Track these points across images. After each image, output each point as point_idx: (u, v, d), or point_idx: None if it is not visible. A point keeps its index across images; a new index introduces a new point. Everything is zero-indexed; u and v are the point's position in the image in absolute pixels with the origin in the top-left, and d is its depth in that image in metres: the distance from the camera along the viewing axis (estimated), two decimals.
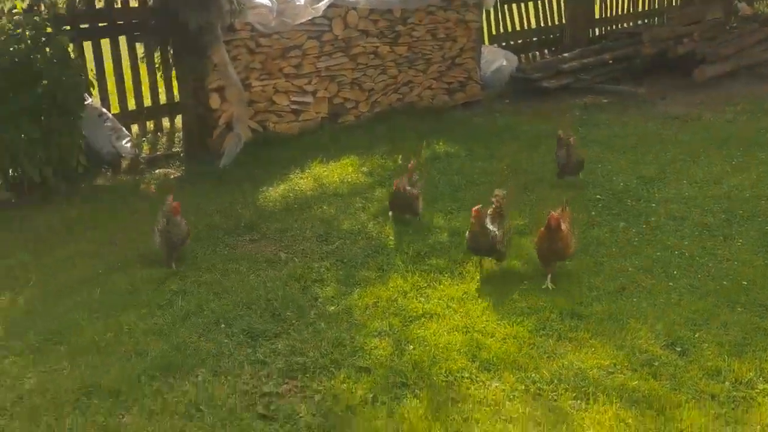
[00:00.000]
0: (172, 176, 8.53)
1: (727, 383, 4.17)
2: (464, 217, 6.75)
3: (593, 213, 6.60)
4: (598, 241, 6.07)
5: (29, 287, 5.61)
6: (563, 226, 5.35)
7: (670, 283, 5.35)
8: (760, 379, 4.22)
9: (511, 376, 4.27)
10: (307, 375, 4.37)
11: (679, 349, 4.51)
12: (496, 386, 4.19)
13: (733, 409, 3.97)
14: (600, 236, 6.16)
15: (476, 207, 5.48)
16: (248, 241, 6.49)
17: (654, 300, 5.09)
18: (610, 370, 4.31)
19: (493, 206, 5.73)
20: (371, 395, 4.11)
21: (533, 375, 4.26)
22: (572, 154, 7.33)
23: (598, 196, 6.76)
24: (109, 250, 6.29)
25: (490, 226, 5.49)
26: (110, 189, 8.18)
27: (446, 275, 5.60)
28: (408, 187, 6.58)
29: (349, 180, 7.92)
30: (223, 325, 4.94)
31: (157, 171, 8.70)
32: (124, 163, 8.84)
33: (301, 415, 3.98)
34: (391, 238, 6.41)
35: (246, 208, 7.17)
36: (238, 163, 8.63)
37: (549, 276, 5.37)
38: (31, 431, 3.85)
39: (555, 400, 4.03)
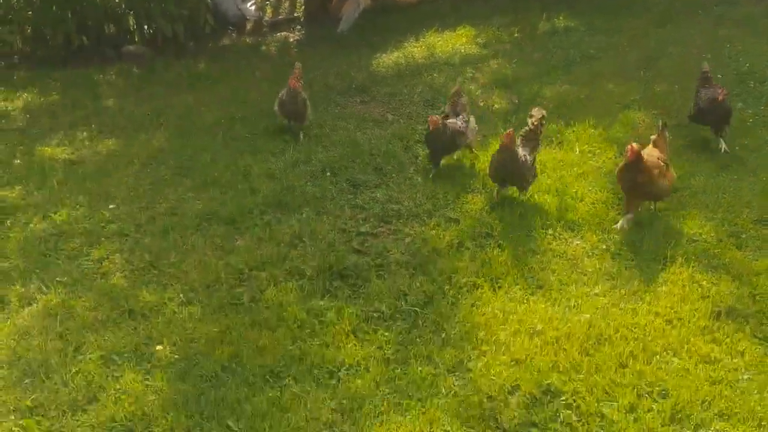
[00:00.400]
0: (292, 39, 8.89)
1: None
2: (571, 90, 6.71)
3: None
4: None
5: (161, 130, 6.23)
6: (647, 159, 4.42)
7: None
8: None
9: (594, 236, 4.42)
10: (401, 221, 4.72)
11: None
12: (577, 244, 4.37)
13: None
14: None
15: (509, 130, 4.77)
16: (358, 102, 6.79)
17: (756, 179, 4.98)
18: (694, 238, 4.36)
19: (529, 127, 4.94)
20: (457, 241, 4.42)
21: (615, 237, 4.39)
22: (716, 97, 5.32)
23: (720, 76, 6.44)
24: (231, 102, 6.80)
25: (521, 150, 4.73)
26: (234, 49, 8.67)
27: (544, 143, 5.68)
28: (453, 122, 5.30)
29: (462, 50, 7.94)
30: (328, 174, 5.34)
31: (278, 34, 9.08)
32: (248, 26, 9.27)
33: (391, 252, 4.36)
34: (496, 106, 6.50)
35: (359, 72, 7.42)
36: (356, 28, 8.83)
37: (626, 217, 4.47)
38: (161, 245, 4.47)
39: (632, 260, 4.18)
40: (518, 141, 4.80)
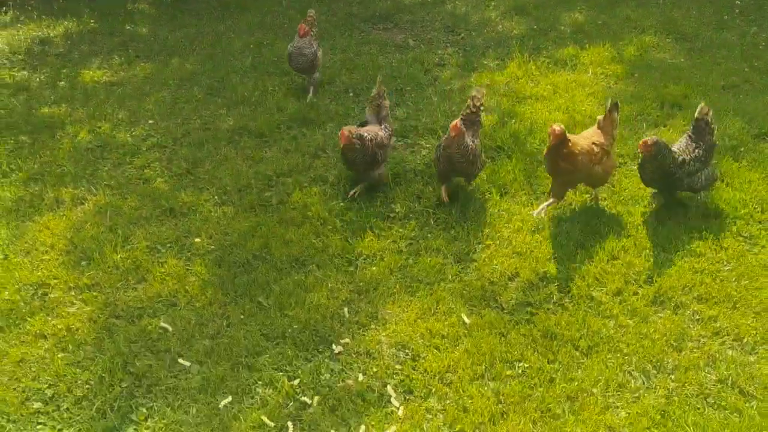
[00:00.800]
0: None
1: None
2: (589, 16, 6.86)
3: (725, 17, 6.45)
4: (722, 44, 6.04)
5: (193, 55, 6.57)
6: (574, 144, 3.92)
7: None
8: None
9: None
10: (417, 135, 5.04)
11: None
12: None
13: None
14: (727, 39, 6.10)
15: (456, 122, 4.07)
16: (381, 29, 7.03)
17: (760, 98, 5.17)
18: None
19: (470, 109, 4.34)
20: None
21: (619, 149, 4.67)
22: None
23: (738, 2, 6.54)
24: (259, 28, 7.08)
25: (469, 140, 4.14)
26: None
27: (560, 65, 5.90)
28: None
29: None
30: (351, 94, 5.66)
31: None
32: None
33: (407, 162, 4.70)
34: (515, 32, 6.70)
35: (383, 1, 7.63)
36: None
37: (545, 203, 4.06)
38: (196, 155, 4.87)
39: (631, 169, 4.48)
40: (460, 124, 4.13)
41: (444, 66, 6.13)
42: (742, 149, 4.60)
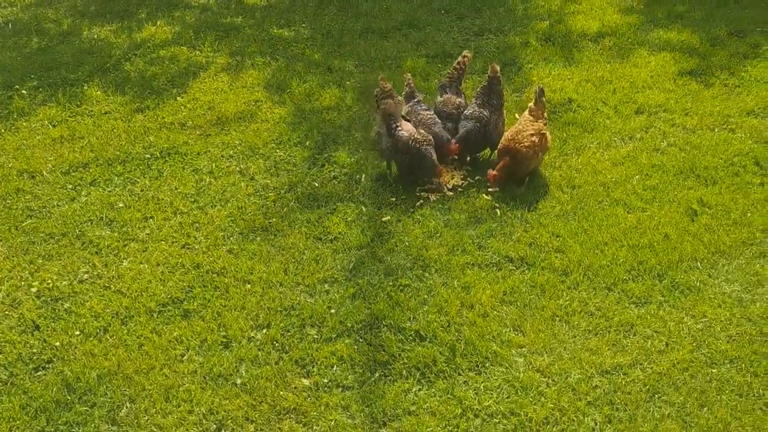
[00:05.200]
0: None
1: None
2: None
3: None
4: None
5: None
6: (519, 157, 4.80)
7: None
8: None
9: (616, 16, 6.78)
10: (490, 34, 7.19)
11: None
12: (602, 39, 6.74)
13: None
14: None
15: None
16: None
17: None
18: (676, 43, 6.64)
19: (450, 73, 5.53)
20: (526, 41, 6.86)
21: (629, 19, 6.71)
22: None
23: None
24: None
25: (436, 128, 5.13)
26: None
27: None
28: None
29: None
30: (443, 12, 7.82)
31: None
32: None
33: (483, 47, 6.84)
34: None
35: None
36: None
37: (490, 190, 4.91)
38: (338, 42, 7.12)
39: (632, 46, 6.52)
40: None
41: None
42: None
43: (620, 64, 6.44)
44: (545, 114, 5.09)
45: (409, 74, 5.58)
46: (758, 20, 7.01)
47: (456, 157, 5.11)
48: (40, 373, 3.70)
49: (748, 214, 4.55)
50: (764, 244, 4.33)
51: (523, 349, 3.75)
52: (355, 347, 3.78)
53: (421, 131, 4.99)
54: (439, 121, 5.19)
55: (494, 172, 4.83)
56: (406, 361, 3.70)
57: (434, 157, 4.91)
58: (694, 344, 3.73)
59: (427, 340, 3.81)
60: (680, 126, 5.51)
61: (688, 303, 3.97)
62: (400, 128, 4.93)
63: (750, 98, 5.77)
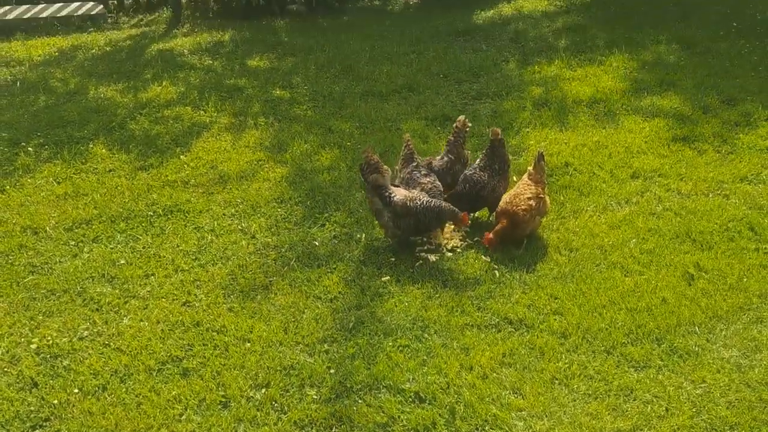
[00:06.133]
0: (411, 2, 11.65)
1: None
2: (617, 33, 9.14)
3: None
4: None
5: (324, 52, 9.09)
6: (516, 221, 4.87)
7: None
8: None
9: None
10: (487, 97, 7.37)
11: None
12: None
13: None
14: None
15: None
16: (462, 40, 9.42)
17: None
18: None
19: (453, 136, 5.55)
20: (523, 106, 7.04)
21: None
22: None
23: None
24: (369, 37, 9.60)
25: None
26: (367, 8, 11.53)
27: (592, 62, 8.17)
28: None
29: (544, 9, 10.46)
30: (442, 76, 8.04)
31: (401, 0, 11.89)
32: None
33: (480, 111, 7.01)
34: (562, 42, 9.01)
35: (462, 22, 10.05)
36: None
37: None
38: (339, 104, 7.29)
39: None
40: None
41: (508, 61, 8.49)
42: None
43: (615, 129, 6.60)
44: (544, 178, 5.18)
45: (408, 134, 5.69)
46: (748, 89, 7.22)
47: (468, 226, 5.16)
48: (37, 431, 3.66)
49: (744, 279, 4.60)
50: (761, 309, 4.37)
51: (523, 412, 3.74)
52: (354, 408, 3.76)
53: (414, 190, 5.05)
54: (440, 186, 5.26)
55: (490, 236, 4.89)
56: (405, 423, 3.68)
57: (448, 204, 4.96)
58: (693, 410, 3.72)
59: (427, 401, 3.80)
60: (675, 191, 5.61)
61: (687, 368, 3.98)
62: (393, 194, 4.97)
63: (743, 165, 5.90)
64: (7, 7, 10.79)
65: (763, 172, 5.80)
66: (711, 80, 7.51)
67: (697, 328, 4.24)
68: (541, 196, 4.99)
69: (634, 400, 3.79)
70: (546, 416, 3.70)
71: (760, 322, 4.27)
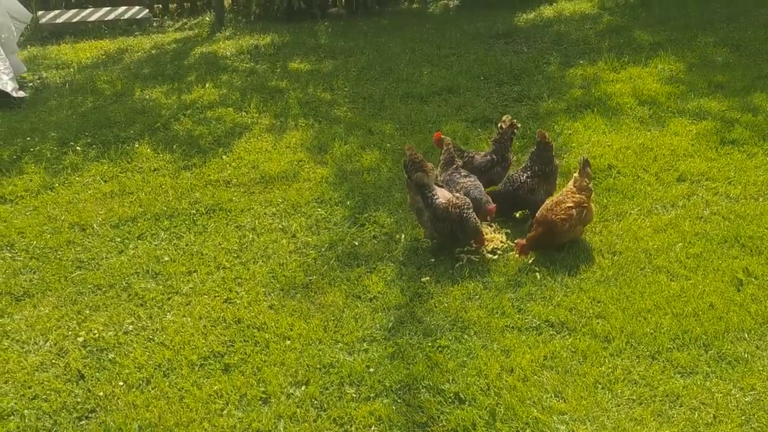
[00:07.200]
0: (451, 4, 11.63)
1: None
2: (664, 31, 8.96)
3: None
4: None
5: (365, 55, 9.13)
6: (554, 229, 4.78)
7: None
8: None
9: None
10: (530, 100, 7.31)
11: None
12: None
13: None
14: None
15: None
16: (503, 43, 9.38)
17: None
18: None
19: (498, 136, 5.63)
20: (567, 107, 6.96)
21: None
22: None
23: None
24: (410, 40, 9.60)
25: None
26: (408, 10, 11.55)
27: (635, 63, 8.04)
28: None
29: (586, 11, 10.33)
30: (482, 78, 7.99)
31: (441, 2, 11.84)
32: None
33: (521, 114, 6.95)
34: (605, 44, 8.88)
35: (503, 24, 10.00)
36: None
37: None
38: (378, 106, 7.31)
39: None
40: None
41: (549, 63, 8.40)
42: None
43: (660, 132, 6.48)
44: (590, 185, 5.06)
45: (449, 138, 5.67)
46: None
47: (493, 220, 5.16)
48: (83, 422, 3.73)
49: None
50: None
51: (565, 416, 3.67)
52: (394, 407, 3.74)
53: (459, 195, 5.02)
54: (480, 185, 5.24)
55: (522, 242, 4.82)
56: (444, 423, 3.65)
57: (477, 221, 4.93)
58: (743, 418, 3.61)
59: (467, 402, 3.76)
60: (723, 195, 5.47)
61: (735, 375, 3.86)
62: (436, 196, 4.93)
63: None
64: (57, 11, 11.09)
65: None
66: (761, 82, 7.32)
67: (746, 334, 4.12)
68: (585, 204, 4.89)
69: (681, 406, 3.70)
70: (588, 420, 3.64)
71: None
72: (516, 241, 4.88)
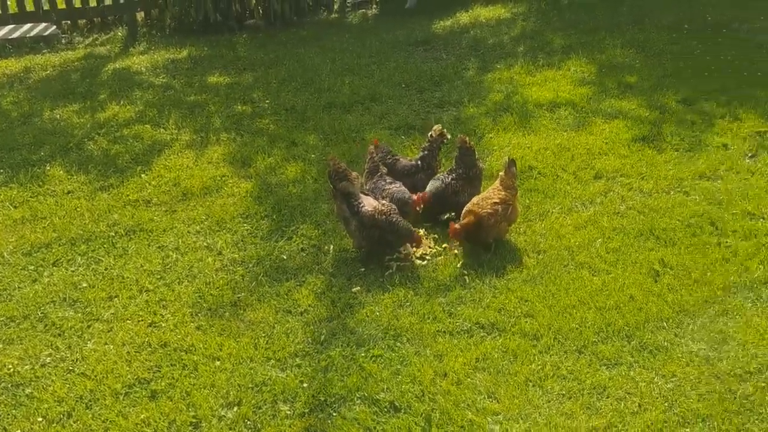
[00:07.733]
0: (369, 13, 11.68)
1: None
2: (576, 39, 9.27)
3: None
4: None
5: (284, 67, 9.03)
6: (481, 223, 4.88)
7: None
8: None
9: None
10: (450, 105, 7.41)
11: None
12: None
13: None
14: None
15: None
16: (422, 50, 9.48)
17: None
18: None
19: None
20: (486, 112, 7.09)
21: None
22: None
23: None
24: (329, 50, 9.59)
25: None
26: (326, 21, 11.52)
27: (550, 66, 8.28)
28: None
29: (501, 16, 10.57)
30: (403, 86, 8.05)
31: (360, 11, 11.88)
32: (336, 5, 12.11)
33: (443, 119, 7.04)
34: (521, 48, 9.11)
35: (421, 32, 10.12)
36: (420, 4, 11.56)
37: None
38: (301, 116, 7.25)
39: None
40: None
41: (467, 69, 8.55)
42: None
43: (576, 132, 6.69)
44: (515, 184, 5.20)
45: (372, 147, 5.68)
46: (703, 89, 7.39)
47: (421, 208, 5.25)
48: None
49: (708, 273, 4.67)
50: (726, 302, 4.44)
51: (499, 416, 3.72)
52: (330, 422, 3.70)
53: (384, 202, 5.04)
54: (405, 189, 5.28)
55: (456, 226, 4.91)
56: None
57: (407, 223, 4.96)
58: (666, 404, 3.75)
59: (402, 411, 3.76)
60: (637, 190, 5.69)
61: (657, 363, 4.01)
62: (362, 204, 4.93)
63: (701, 162, 6.02)
64: None
65: (720, 168, 5.92)
66: (667, 81, 7.67)
67: (665, 323, 4.29)
68: (510, 202, 5.02)
69: (608, 397, 3.81)
70: (521, 418, 3.70)
71: (725, 315, 4.33)
72: (450, 223, 4.97)
